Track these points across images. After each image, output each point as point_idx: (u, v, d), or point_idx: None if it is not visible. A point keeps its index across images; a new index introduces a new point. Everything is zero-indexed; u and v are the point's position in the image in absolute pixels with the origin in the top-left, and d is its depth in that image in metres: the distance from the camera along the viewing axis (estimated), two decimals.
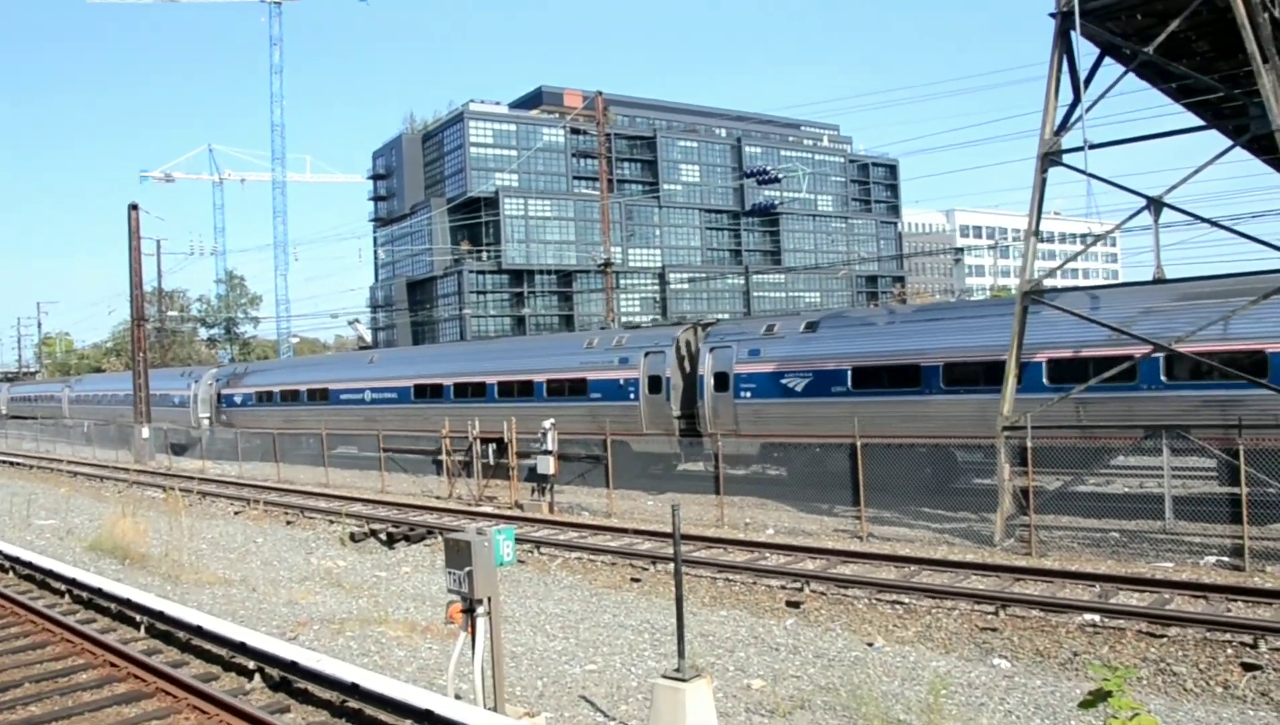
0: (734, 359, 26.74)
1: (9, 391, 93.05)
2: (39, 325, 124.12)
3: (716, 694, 10.75)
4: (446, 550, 9.74)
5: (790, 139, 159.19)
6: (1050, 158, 18.63)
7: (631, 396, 29.04)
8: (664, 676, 9.27)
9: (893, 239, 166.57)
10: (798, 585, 15.86)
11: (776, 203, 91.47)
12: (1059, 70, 18.45)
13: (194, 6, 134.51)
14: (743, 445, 26.48)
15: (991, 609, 13.79)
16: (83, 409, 67.51)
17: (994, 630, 13.23)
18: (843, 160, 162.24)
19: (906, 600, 14.73)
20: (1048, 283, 21.68)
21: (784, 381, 25.49)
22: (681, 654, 9.32)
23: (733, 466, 26.64)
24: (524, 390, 32.63)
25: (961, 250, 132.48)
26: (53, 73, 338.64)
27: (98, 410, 63.10)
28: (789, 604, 15.23)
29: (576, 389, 30.76)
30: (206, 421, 49.51)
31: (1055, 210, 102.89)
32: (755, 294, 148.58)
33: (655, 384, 28.80)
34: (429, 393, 36.42)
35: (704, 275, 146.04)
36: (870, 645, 13.18)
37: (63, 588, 16.83)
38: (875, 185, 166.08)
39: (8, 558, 19.60)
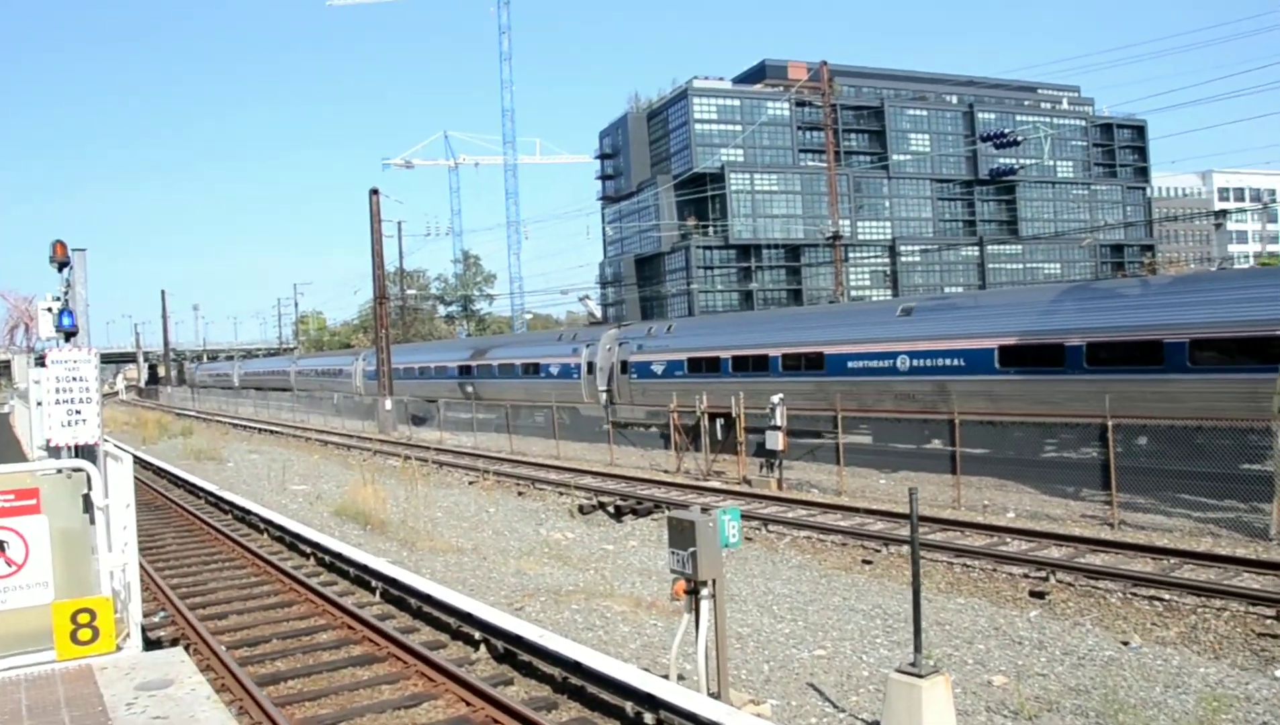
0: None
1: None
2: (295, 305, 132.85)
3: (954, 688, 10.00)
4: (670, 529, 9.40)
5: (1026, 103, 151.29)
6: None
7: None
8: (899, 670, 8.61)
9: (1140, 205, 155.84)
10: (1042, 574, 14.70)
11: (1015, 167, 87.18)
12: None
13: (428, 1, 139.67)
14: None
15: (1271, 613, 12.29)
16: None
17: (1274, 637, 11.76)
18: (1084, 123, 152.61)
19: (1167, 596, 13.34)
20: None
21: None
22: (918, 648, 8.64)
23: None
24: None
25: (1224, 213, 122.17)
26: (303, 72, 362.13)
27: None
28: (1033, 594, 14.13)
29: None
30: (605, 396, 38.54)
31: None
32: (991, 266, 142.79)
33: None
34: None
35: (936, 247, 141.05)
36: (1126, 644, 11.98)
37: (308, 550, 17.63)
38: (1121, 148, 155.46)
39: (264, 520, 20.82)
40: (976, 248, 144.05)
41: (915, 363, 25.89)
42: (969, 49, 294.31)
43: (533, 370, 43.82)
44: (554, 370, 41.90)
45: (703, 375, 32.83)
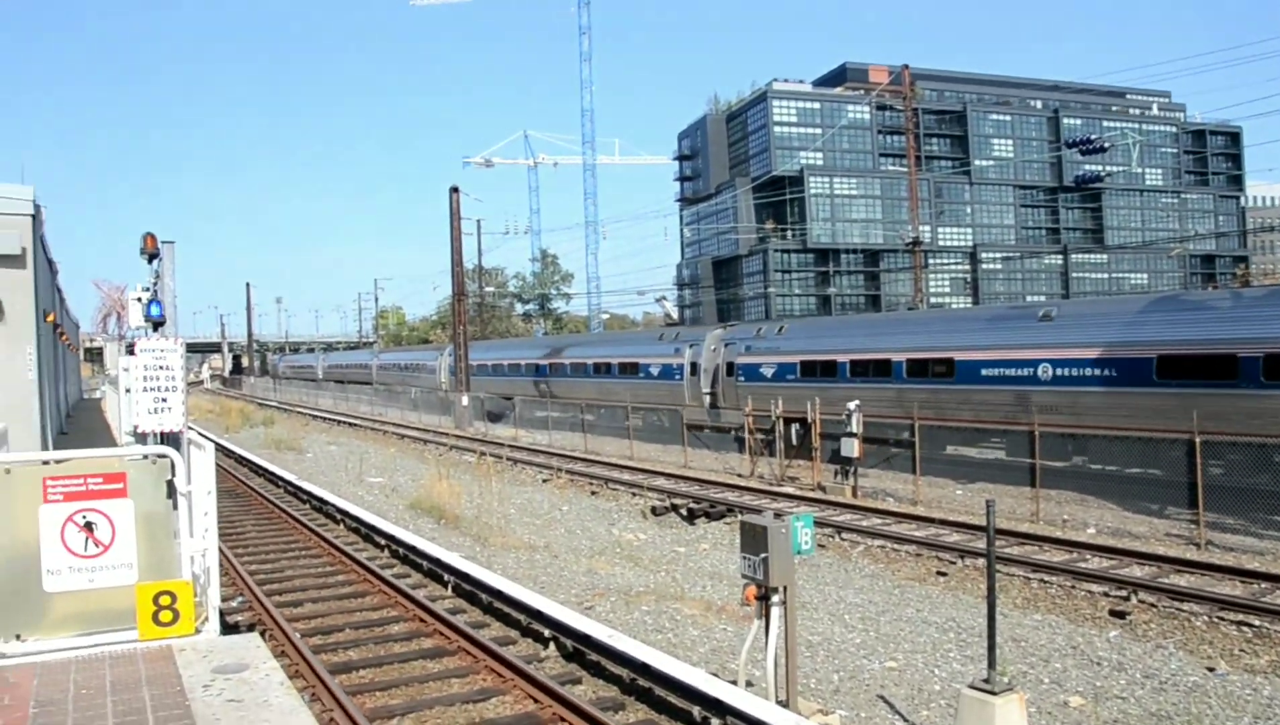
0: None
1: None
2: (375, 300, 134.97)
3: (1029, 708, 9.78)
4: (742, 534, 9.32)
5: (1114, 108, 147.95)
6: None
7: None
8: (972, 686, 8.43)
9: (1234, 215, 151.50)
10: (1123, 593, 14.31)
11: (1101, 174, 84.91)
12: None
13: (509, 2, 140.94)
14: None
15: None
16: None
17: None
18: (1175, 129, 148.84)
19: (1257, 622, 12.88)
20: None
21: None
22: (992, 664, 8.44)
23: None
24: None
25: None
26: (387, 71, 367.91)
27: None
28: (1113, 613, 13.76)
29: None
30: (708, 398, 36.56)
31: None
32: (1075, 275, 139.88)
33: None
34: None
35: (1018, 254, 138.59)
36: (1211, 670, 11.56)
37: (383, 542, 17.85)
38: (1213, 155, 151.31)
39: (340, 511, 21.14)
40: (1060, 256, 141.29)
41: (1059, 372, 24.37)
42: (1055, 53, 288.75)
43: (629, 370, 42.45)
44: (654, 370, 40.44)
45: (816, 380, 31.14)
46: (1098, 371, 23.53)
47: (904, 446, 25.66)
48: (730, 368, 35.44)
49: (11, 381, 14.32)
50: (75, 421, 32.14)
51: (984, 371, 26.20)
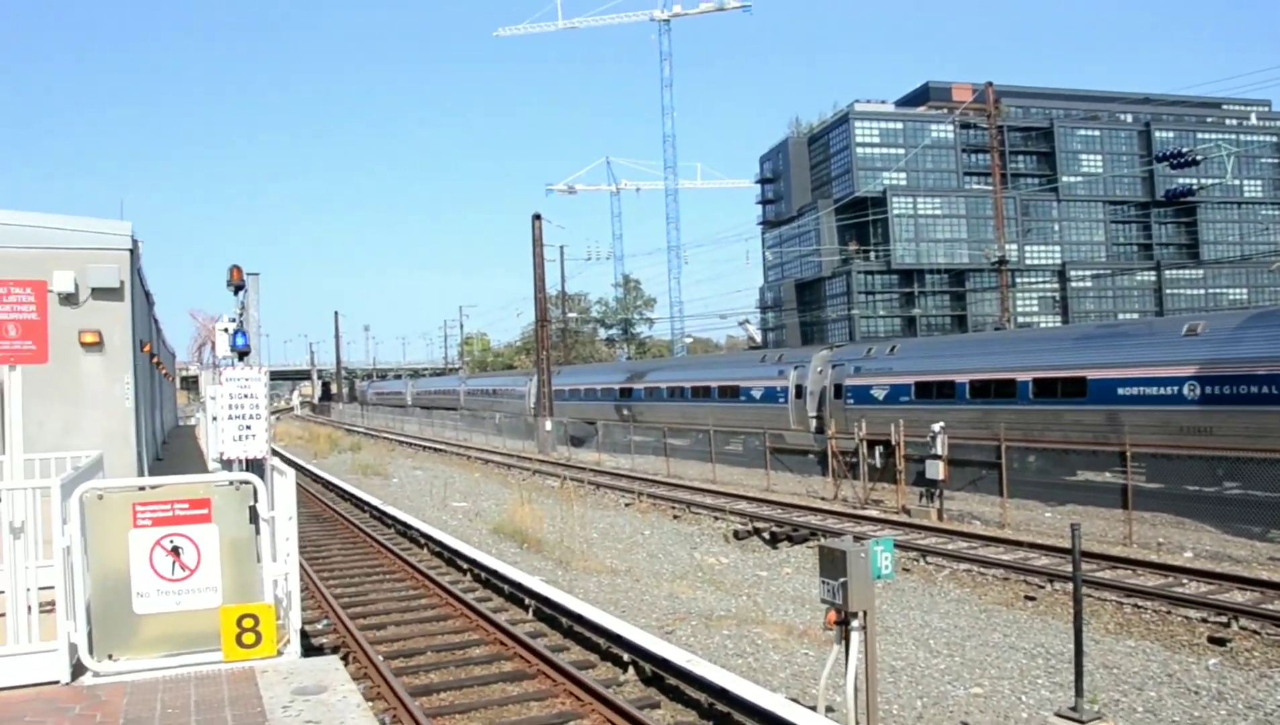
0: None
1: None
2: (460, 326, 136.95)
3: None
4: (821, 558, 9.22)
5: (1209, 119, 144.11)
6: None
7: None
8: (1058, 715, 8.21)
9: None
10: (1223, 619, 13.79)
11: (1194, 187, 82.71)
12: None
13: (590, 30, 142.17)
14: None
15: None
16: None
17: None
18: (1275, 139, 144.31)
19: None
20: None
21: None
22: (1079, 692, 8.21)
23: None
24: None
25: None
26: (472, 100, 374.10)
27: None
28: (1212, 640, 13.27)
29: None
30: (814, 422, 35.29)
31: None
32: (1169, 291, 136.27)
33: None
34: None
35: (1109, 272, 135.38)
36: None
37: (466, 566, 18.02)
38: None
39: (424, 535, 21.42)
40: (1153, 272, 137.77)
41: (1209, 391, 22.77)
42: (1145, 65, 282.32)
43: (728, 393, 41.15)
44: (756, 393, 38.88)
45: (932, 401, 29.86)
46: (1259, 389, 21.88)
47: (1024, 470, 25.19)
48: (839, 390, 34.05)
49: (111, 410, 14.79)
50: (170, 448, 33.07)
51: (1120, 391, 24.85)
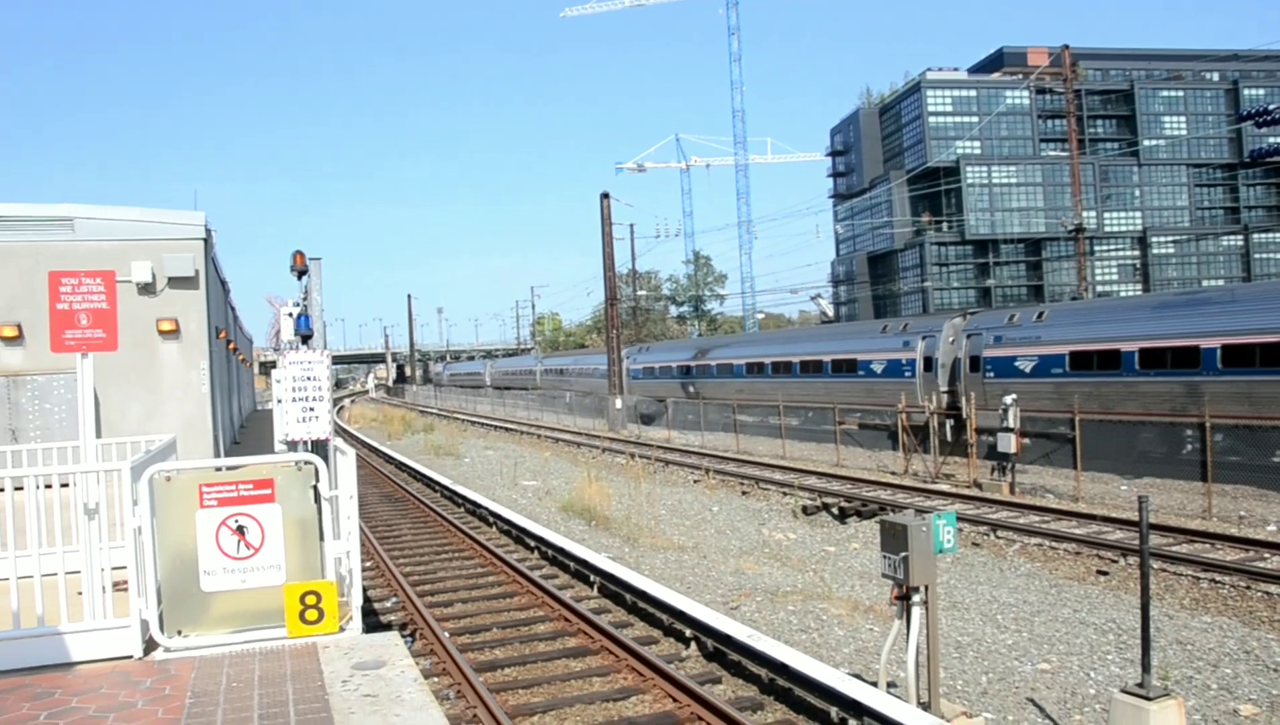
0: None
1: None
2: (533, 307, 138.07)
3: (1194, 715, 9.30)
4: (882, 533, 9.18)
5: None
6: None
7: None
8: (1124, 691, 8.05)
9: None
10: None
11: None
12: None
13: (657, 7, 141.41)
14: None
15: None
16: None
17: None
18: None
19: None
20: None
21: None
22: (1146, 668, 8.04)
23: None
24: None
25: None
26: (543, 81, 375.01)
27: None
28: None
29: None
30: (946, 397, 32.11)
31: None
32: (1257, 256, 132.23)
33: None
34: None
35: (1192, 237, 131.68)
36: None
37: (533, 544, 18.21)
38: None
39: (493, 514, 21.66)
40: (1240, 237, 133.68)
41: None
42: (1233, 18, 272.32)
43: (843, 368, 37.81)
44: (877, 367, 35.67)
45: (1091, 373, 26.97)
46: None
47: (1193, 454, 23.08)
48: (975, 362, 31.12)
49: (188, 395, 15.21)
50: (247, 431, 33.84)
51: None
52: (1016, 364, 29.55)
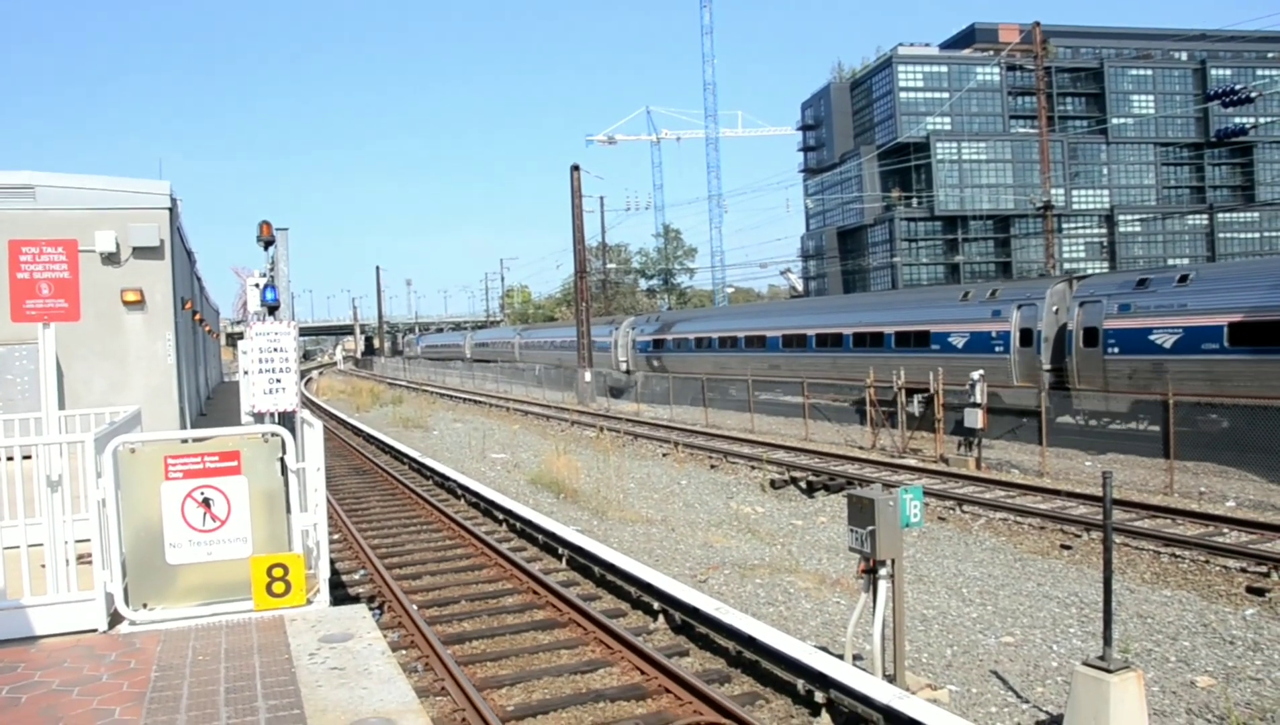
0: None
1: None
2: (501, 279, 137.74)
3: (1152, 687, 9.45)
4: (850, 507, 9.24)
5: (1270, 55, 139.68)
6: None
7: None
8: (1085, 664, 8.16)
9: None
10: (1263, 569, 13.64)
11: (1249, 126, 79.62)
12: None
13: None
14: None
15: None
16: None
17: None
18: None
19: None
20: None
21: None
22: (1108, 641, 8.14)
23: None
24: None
25: None
26: (511, 52, 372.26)
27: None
28: (1250, 590, 13.13)
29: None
30: (1049, 376, 27.78)
31: None
32: (1221, 235, 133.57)
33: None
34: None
35: (1159, 215, 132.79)
36: None
37: (502, 517, 18.22)
38: None
39: (461, 486, 21.63)
40: (1205, 216, 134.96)
41: None
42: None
43: (913, 341, 32.54)
44: (957, 341, 30.75)
45: (1254, 351, 22.58)
46: None
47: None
48: (1090, 335, 26.55)
49: (153, 366, 15.05)
50: (214, 403, 33.53)
51: None
52: (1152, 338, 25.01)
